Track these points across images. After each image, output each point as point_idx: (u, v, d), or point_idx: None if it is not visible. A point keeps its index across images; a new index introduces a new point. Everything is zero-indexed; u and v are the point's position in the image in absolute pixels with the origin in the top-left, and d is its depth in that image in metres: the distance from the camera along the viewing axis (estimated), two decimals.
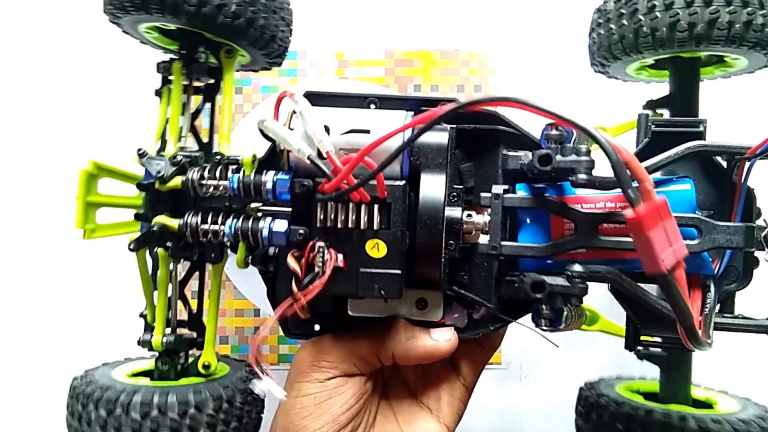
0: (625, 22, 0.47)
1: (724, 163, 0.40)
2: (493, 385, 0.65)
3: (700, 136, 0.40)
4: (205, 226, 0.43)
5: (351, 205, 0.41)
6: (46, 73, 0.73)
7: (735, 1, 0.44)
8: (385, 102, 0.46)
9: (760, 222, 0.39)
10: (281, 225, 0.42)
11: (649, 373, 0.57)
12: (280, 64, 0.54)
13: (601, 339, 0.57)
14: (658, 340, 0.44)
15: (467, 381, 0.46)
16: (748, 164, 0.37)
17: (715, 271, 0.38)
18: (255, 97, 0.70)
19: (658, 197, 0.27)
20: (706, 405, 0.51)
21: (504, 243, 0.39)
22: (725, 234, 0.35)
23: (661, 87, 0.55)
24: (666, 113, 0.50)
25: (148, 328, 0.50)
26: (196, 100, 0.52)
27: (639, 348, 0.50)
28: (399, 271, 0.41)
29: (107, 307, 0.69)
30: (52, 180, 0.71)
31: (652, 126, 0.40)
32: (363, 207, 0.41)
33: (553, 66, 0.69)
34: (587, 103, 0.66)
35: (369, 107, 0.46)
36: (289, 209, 0.44)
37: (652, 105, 0.50)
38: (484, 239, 0.42)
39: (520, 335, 0.67)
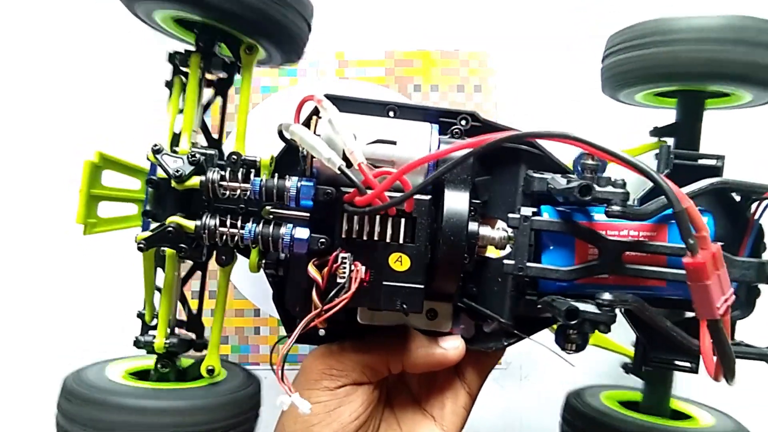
0: (637, 52, 0.49)
1: (737, 197, 0.42)
2: (493, 385, 0.66)
3: (719, 171, 0.42)
4: (224, 229, 0.42)
5: (377, 217, 0.41)
6: (44, 66, 0.70)
7: (741, 41, 0.46)
8: (404, 110, 0.46)
9: (766, 256, 0.41)
10: (303, 232, 0.42)
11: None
12: (296, 61, 0.53)
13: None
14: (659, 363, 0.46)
15: (471, 389, 0.47)
16: (764, 204, 0.39)
17: None
18: (255, 98, 0.69)
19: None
20: (684, 417, 0.54)
21: (530, 264, 0.40)
22: (740, 269, 0.37)
23: (665, 112, 0.57)
24: (669, 142, 0.52)
25: (146, 328, 0.48)
26: (205, 95, 0.50)
27: (626, 363, 0.53)
28: (421, 286, 0.41)
29: (105, 306, 0.67)
30: (48, 175, 0.68)
31: (674, 159, 0.41)
32: (389, 220, 0.41)
33: (553, 66, 0.70)
34: (587, 103, 0.67)
35: (388, 115, 0.46)
36: (303, 214, 0.43)
37: (658, 132, 0.52)
38: (508, 262, 0.42)
39: None
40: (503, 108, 0.69)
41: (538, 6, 0.71)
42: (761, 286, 0.42)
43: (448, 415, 0.46)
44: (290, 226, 0.42)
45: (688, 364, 0.46)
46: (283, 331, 0.65)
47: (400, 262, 0.41)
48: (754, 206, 0.40)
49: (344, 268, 0.40)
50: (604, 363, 0.66)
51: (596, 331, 0.56)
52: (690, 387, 0.59)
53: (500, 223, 0.45)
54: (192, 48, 0.48)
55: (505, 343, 0.45)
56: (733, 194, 0.42)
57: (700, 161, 0.42)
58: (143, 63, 0.67)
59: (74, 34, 0.69)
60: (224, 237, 0.42)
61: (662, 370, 0.49)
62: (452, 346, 0.45)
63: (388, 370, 0.45)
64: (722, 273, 0.29)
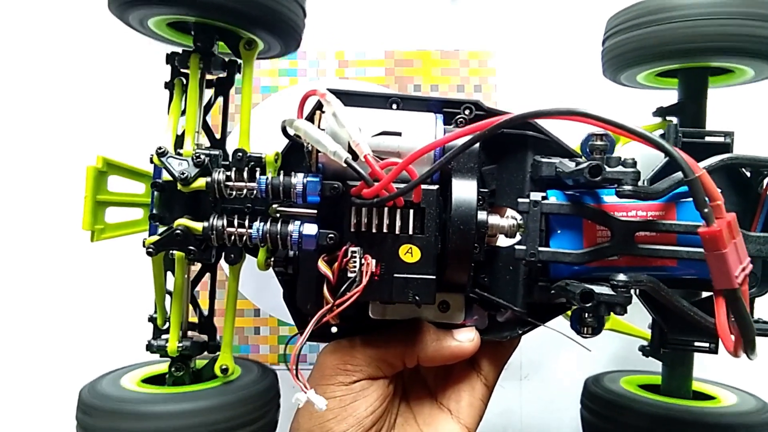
0: (638, 32, 0.49)
1: (748, 173, 0.41)
2: None
3: (728, 148, 0.41)
4: (231, 229, 0.41)
5: (386, 209, 0.41)
6: (45, 72, 0.70)
7: (741, 14, 0.46)
8: (407, 102, 0.46)
9: None
10: (311, 228, 0.41)
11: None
12: (296, 50, 0.52)
13: (602, 338, 0.58)
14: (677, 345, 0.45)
15: (488, 380, 0.47)
16: None
17: None
18: (255, 97, 0.68)
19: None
20: (707, 398, 0.54)
21: (541, 249, 0.39)
22: (756, 244, 0.37)
23: (667, 93, 0.57)
24: (675, 120, 0.51)
25: (158, 332, 0.48)
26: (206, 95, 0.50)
27: (643, 346, 0.53)
28: (433, 276, 0.40)
29: (116, 312, 0.67)
30: (56, 182, 0.67)
31: (682, 137, 0.41)
32: (398, 211, 0.41)
33: (553, 66, 0.69)
34: (587, 103, 0.67)
35: (391, 107, 0.46)
36: (310, 211, 0.43)
37: (662, 112, 0.52)
38: (504, 241, 0.42)
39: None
40: (503, 108, 0.69)
41: (538, 6, 0.71)
42: None
43: (465, 408, 0.46)
44: (298, 223, 0.41)
45: (706, 345, 0.45)
46: (283, 331, 0.66)
47: (410, 254, 0.41)
48: (766, 181, 0.39)
49: (354, 262, 0.40)
50: (605, 363, 0.66)
51: (612, 314, 0.56)
52: (711, 368, 0.58)
53: (510, 212, 0.44)
54: (190, 48, 0.47)
55: (520, 332, 0.45)
56: (744, 170, 0.41)
57: (709, 138, 0.41)
58: (142, 65, 0.66)
59: (73, 41, 0.69)
60: (233, 237, 0.41)
61: (681, 351, 0.48)
62: (466, 338, 0.44)
63: (402, 364, 0.44)
64: (738, 242, 0.29)
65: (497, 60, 0.70)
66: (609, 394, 0.53)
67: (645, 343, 0.52)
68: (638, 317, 0.52)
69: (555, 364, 0.67)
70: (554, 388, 0.67)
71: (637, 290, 0.42)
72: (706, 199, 0.28)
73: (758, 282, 0.41)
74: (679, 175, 0.32)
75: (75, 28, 0.69)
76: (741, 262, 0.29)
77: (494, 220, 0.43)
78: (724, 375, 0.58)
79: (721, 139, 0.41)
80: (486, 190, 0.44)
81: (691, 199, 0.39)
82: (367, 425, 0.43)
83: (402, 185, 0.39)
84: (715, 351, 0.45)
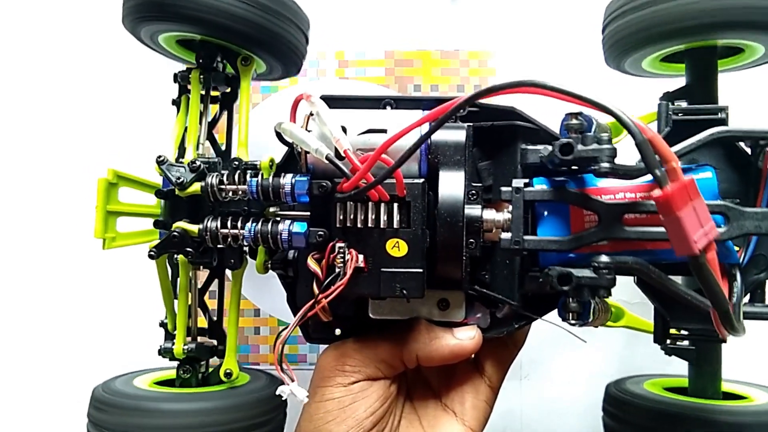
0: (640, 12, 0.47)
1: (748, 150, 0.39)
2: None
3: (722, 123, 0.39)
4: (225, 230, 0.43)
5: (370, 204, 0.41)
6: (61, 84, 0.73)
7: None
8: (400, 103, 0.46)
9: None
10: (300, 227, 0.42)
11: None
12: (296, 73, 0.55)
13: (602, 338, 0.56)
14: (684, 332, 0.43)
15: (492, 382, 0.45)
16: None
17: (741, 260, 0.37)
18: (255, 97, 0.70)
19: (686, 177, 0.27)
20: (738, 398, 0.50)
21: (527, 237, 0.39)
22: (753, 220, 0.35)
23: (675, 83, 0.55)
24: (684, 104, 0.49)
25: (169, 336, 0.50)
26: (213, 109, 0.53)
27: (667, 343, 0.50)
28: (420, 270, 0.40)
29: (129, 317, 0.69)
30: (68, 189, 0.71)
31: (673, 115, 0.39)
32: (382, 206, 0.41)
33: (553, 66, 0.68)
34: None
35: (385, 108, 0.46)
36: (304, 213, 0.44)
37: (669, 97, 0.50)
38: (505, 236, 0.41)
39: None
40: (521, 105, 0.68)
41: (538, 6, 0.70)
42: None
43: (469, 410, 0.45)
44: (288, 222, 0.42)
45: (713, 333, 0.42)
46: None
47: (397, 248, 0.41)
48: (765, 155, 0.37)
49: (341, 257, 0.40)
50: (606, 363, 0.63)
51: (625, 310, 0.53)
52: (742, 369, 0.55)
53: (508, 206, 0.44)
54: (194, 65, 0.50)
55: (516, 326, 0.43)
56: (743, 146, 0.39)
57: (703, 116, 0.39)
58: (156, 83, 0.69)
59: (90, 58, 0.73)
60: (227, 238, 0.43)
61: (687, 340, 0.45)
62: (467, 336, 0.43)
63: (402, 364, 0.44)
64: (698, 205, 0.27)
65: (497, 60, 0.69)
66: (635, 398, 0.51)
67: (668, 342, 0.49)
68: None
69: (555, 363, 0.65)
70: (554, 388, 0.65)
71: (635, 278, 0.40)
72: (658, 160, 0.26)
73: None
74: None
75: (90, 43, 0.72)
76: (701, 225, 0.27)
77: (489, 214, 0.42)
78: (756, 375, 0.54)
79: (716, 116, 0.39)
80: (480, 184, 0.44)
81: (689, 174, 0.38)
82: (366, 426, 0.43)
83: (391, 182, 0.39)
84: (723, 339, 0.42)
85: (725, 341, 0.42)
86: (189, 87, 0.51)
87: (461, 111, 0.45)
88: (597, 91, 0.59)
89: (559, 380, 0.65)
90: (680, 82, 0.51)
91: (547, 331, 0.42)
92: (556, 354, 0.66)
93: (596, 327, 0.43)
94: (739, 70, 0.52)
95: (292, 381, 0.38)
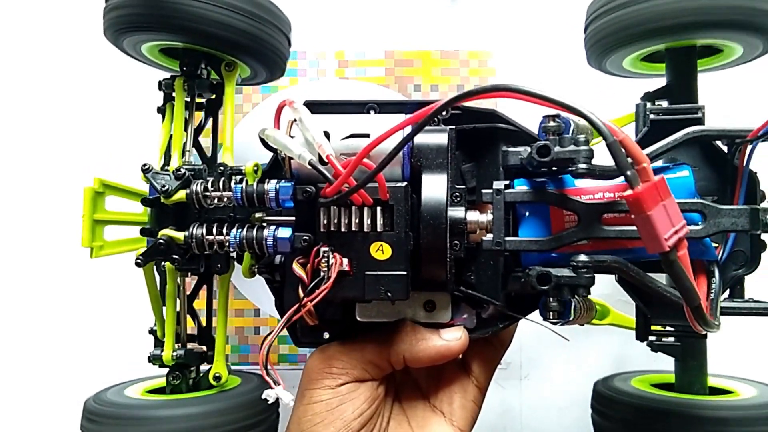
0: (620, 12, 0.48)
1: (725, 149, 0.40)
2: (493, 385, 0.63)
3: (699, 122, 0.40)
4: (211, 237, 0.43)
5: (354, 208, 0.41)
6: (45, 94, 0.74)
7: None
8: (384, 107, 0.47)
9: (764, 204, 0.38)
10: (285, 232, 0.42)
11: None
12: (280, 76, 0.55)
13: (602, 338, 0.57)
14: (670, 329, 0.43)
15: (480, 382, 0.46)
16: (749, 147, 0.36)
17: (719, 257, 0.38)
18: (255, 97, 0.70)
19: (656, 177, 0.27)
20: (724, 393, 0.51)
21: (508, 238, 0.39)
22: (730, 217, 0.35)
23: (655, 82, 0.55)
24: (665, 104, 0.50)
25: (159, 343, 0.50)
26: (198, 116, 0.53)
27: (651, 340, 0.50)
28: (404, 272, 0.41)
29: (118, 326, 0.69)
30: (54, 198, 0.71)
31: (651, 115, 0.40)
32: (366, 210, 0.41)
33: (553, 66, 0.69)
34: (587, 102, 0.66)
35: (369, 113, 0.47)
36: (290, 218, 0.44)
37: (650, 96, 0.50)
38: (487, 237, 0.42)
39: (521, 335, 0.67)
40: (503, 108, 0.68)
41: (538, 6, 0.71)
42: (766, 239, 0.39)
43: (458, 410, 0.45)
44: (273, 227, 0.43)
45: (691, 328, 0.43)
46: (284, 331, 0.66)
47: (381, 251, 0.41)
48: (741, 152, 0.37)
49: (326, 261, 0.40)
50: (606, 363, 0.63)
51: (610, 308, 0.54)
52: (729, 365, 0.55)
53: (491, 207, 0.44)
54: (178, 73, 0.51)
55: (501, 326, 0.44)
56: (719, 145, 0.40)
57: (680, 116, 0.40)
58: (142, 91, 0.67)
59: (74, 68, 0.73)
60: (213, 245, 0.43)
61: (668, 336, 0.45)
62: (453, 337, 0.44)
63: (389, 366, 0.44)
64: (669, 204, 0.27)
65: (497, 60, 0.70)
66: (621, 394, 0.51)
67: (653, 338, 0.50)
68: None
69: (555, 363, 0.66)
70: (554, 388, 0.65)
71: (617, 276, 0.41)
72: (629, 161, 0.27)
73: (747, 260, 0.39)
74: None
75: (73, 53, 0.73)
76: (672, 224, 0.27)
77: (473, 216, 0.42)
78: (742, 370, 0.54)
79: (693, 115, 0.39)
80: (464, 186, 0.44)
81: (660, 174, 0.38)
82: (355, 428, 0.43)
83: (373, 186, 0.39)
84: (702, 335, 0.42)
85: (704, 336, 0.43)
86: (173, 94, 0.51)
87: (443, 114, 0.46)
88: (597, 91, 0.60)
89: (559, 380, 0.66)
90: (660, 81, 0.52)
91: (546, 332, 0.42)
92: (555, 354, 0.66)
93: (581, 325, 0.43)
94: (718, 69, 0.53)
95: (278, 384, 0.38)
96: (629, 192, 0.27)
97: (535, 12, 0.70)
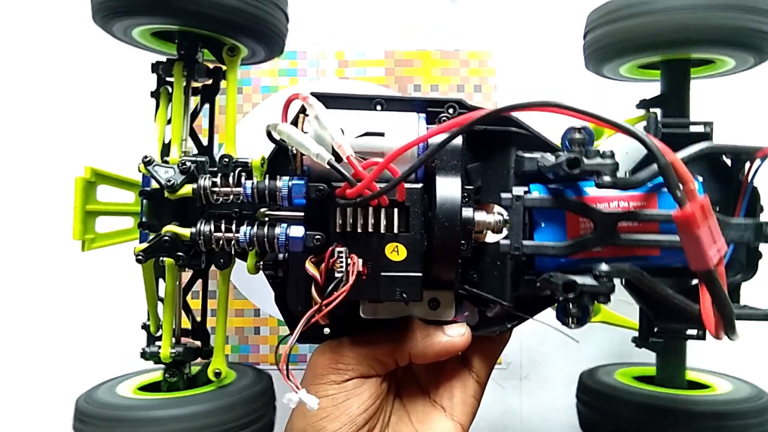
0: (617, 25, 0.49)
1: (729, 162, 0.42)
2: (493, 385, 0.66)
3: (708, 137, 0.41)
4: (219, 234, 0.42)
5: (370, 209, 0.41)
6: (33, 83, 0.70)
7: (721, 6, 0.46)
8: (391, 103, 0.46)
9: (763, 217, 0.41)
10: (298, 231, 0.42)
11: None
12: (279, 54, 0.53)
13: (601, 339, 0.59)
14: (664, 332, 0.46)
15: (480, 377, 0.47)
16: (756, 164, 0.38)
17: None
18: (255, 97, 0.69)
19: (701, 196, 0.28)
20: (702, 387, 0.54)
21: (526, 243, 0.40)
22: (737, 231, 0.37)
23: (651, 87, 0.57)
24: (658, 112, 0.52)
25: (152, 339, 0.48)
26: (194, 101, 0.51)
27: (635, 337, 0.53)
28: (419, 274, 0.41)
29: (109, 320, 0.67)
30: (47, 190, 0.68)
31: (663, 128, 0.41)
32: (382, 211, 0.41)
33: (553, 66, 0.70)
34: (588, 103, 0.67)
35: (375, 108, 0.46)
36: (297, 214, 0.43)
37: (645, 104, 0.52)
38: (492, 237, 0.43)
39: (521, 335, 0.69)
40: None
41: (538, 6, 0.71)
42: (762, 248, 0.42)
43: (458, 405, 0.46)
44: (285, 225, 0.42)
45: (694, 332, 0.46)
46: (284, 331, 0.66)
47: (396, 252, 0.41)
48: (746, 168, 0.39)
49: (341, 262, 0.40)
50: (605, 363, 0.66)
51: (601, 306, 0.56)
52: (707, 358, 0.58)
53: (496, 208, 0.45)
54: (174, 57, 0.48)
55: (509, 326, 0.45)
56: (724, 158, 0.42)
57: (689, 129, 0.42)
58: (129, 74, 0.67)
59: (60, 52, 0.70)
60: (221, 242, 0.42)
61: (670, 340, 0.48)
62: (457, 333, 0.45)
63: (394, 362, 0.45)
64: (712, 223, 0.29)
65: (497, 60, 0.70)
66: (602, 386, 0.54)
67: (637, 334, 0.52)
68: (632, 308, 0.52)
69: (555, 363, 0.67)
70: (554, 388, 0.67)
71: (623, 280, 0.43)
72: (679, 183, 0.28)
73: (743, 268, 0.41)
74: None
75: (62, 38, 0.70)
76: (715, 243, 0.29)
77: (480, 216, 0.43)
78: (720, 364, 0.58)
79: (701, 129, 0.41)
80: (471, 187, 0.45)
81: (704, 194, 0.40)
82: (359, 423, 0.43)
83: (385, 184, 0.39)
84: (702, 337, 0.45)
85: (703, 337, 0.45)
86: (168, 79, 0.49)
87: (448, 111, 0.46)
88: (596, 91, 0.61)
89: (559, 380, 0.67)
90: (656, 85, 0.54)
91: (547, 331, 0.43)
92: (555, 354, 0.68)
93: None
94: (710, 78, 0.55)
95: (299, 389, 0.37)
96: (678, 212, 0.28)
97: (535, 12, 0.71)
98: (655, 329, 0.43)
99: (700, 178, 0.39)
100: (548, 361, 0.67)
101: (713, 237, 0.29)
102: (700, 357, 0.56)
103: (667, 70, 0.52)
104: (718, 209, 0.41)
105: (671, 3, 0.47)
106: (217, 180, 0.42)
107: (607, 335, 0.57)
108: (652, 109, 0.52)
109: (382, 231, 0.41)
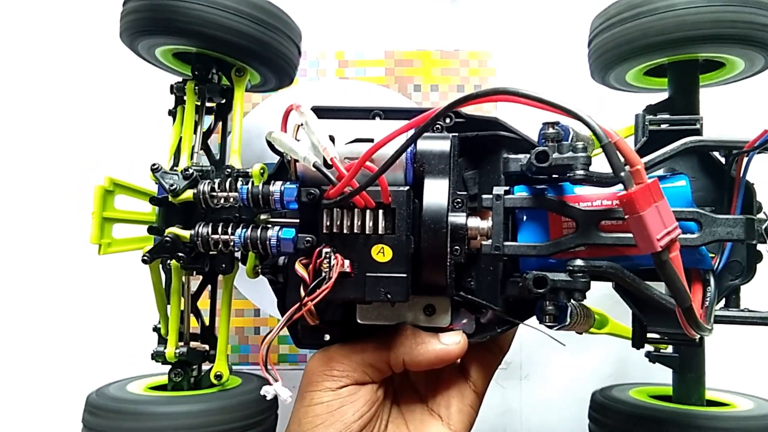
0: (624, 26, 0.48)
1: (722, 159, 0.40)
2: (493, 385, 0.64)
3: (698, 133, 0.40)
4: (216, 236, 0.44)
5: (356, 210, 0.42)
6: (60, 95, 0.75)
7: (729, 1, 0.45)
8: (389, 114, 0.48)
9: (761, 215, 0.39)
10: (289, 232, 0.43)
11: (653, 376, 0.57)
12: (289, 84, 0.56)
13: (602, 340, 0.56)
14: (657, 336, 0.44)
15: (477, 387, 0.46)
16: (746, 158, 0.37)
17: (715, 266, 0.38)
18: (255, 97, 0.70)
19: (650, 179, 0.28)
20: (722, 405, 0.51)
21: (507, 243, 0.40)
22: (725, 227, 0.35)
23: (658, 97, 0.56)
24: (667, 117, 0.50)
25: (162, 341, 0.51)
26: (209, 119, 0.54)
27: (650, 351, 0.50)
28: (404, 275, 0.41)
29: (123, 323, 0.70)
30: (64, 196, 0.72)
31: (649, 125, 0.41)
32: (368, 212, 0.42)
33: (553, 66, 0.69)
34: (589, 104, 0.66)
35: (374, 119, 0.48)
36: (294, 220, 0.45)
37: (652, 109, 0.51)
38: (486, 242, 0.42)
39: (521, 336, 0.67)
40: (503, 108, 0.68)
41: (538, 6, 0.71)
42: (762, 249, 0.39)
43: (455, 414, 0.46)
44: (277, 228, 0.44)
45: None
46: (284, 331, 0.66)
47: (382, 254, 0.42)
48: (739, 163, 0.38)
49: (327, 261, 0.41)
50: (605, 363, 0.63)
51: (609, 318, 0.54)
52: (728, 379, 0.55)
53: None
54: (189, 77, 0.52)
55: (499, 330, 0.44)
56: (717, 155, 0.40)
57: (679, 127, 0.40)
58: (156, 90, 0.67)
59: (91, 71, 0.74)
60: (218, 244, 0.44)
61: (662, 343, 0.46)
62: (452, 341, 0.44)
63: (389, 369, 0.45)
64: (661, 205, 0.28)
65: (497, 60, 0.70)
66: (618, 404, 0.51)
67: (651, 348, 0.50)
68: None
69: (555, 364, 0.66)
70: (554, 388, 0.65)
71: (614, 282, 0.41)
72: (623, 163, 0.28)
73: (743, 270, 0.39)
74: None
75: (91, 56, 0.74)
76: (665, 226, 0.28)
77: (473, 222, 0.43)
78: (741, 385, 0.54)
79: (691, 126, 0.40)
80: (466, 193, 0.45)
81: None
82: (354, 430, 0.43)
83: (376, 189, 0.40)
84: (694, 341, 0.43)
85: (699, 344, 0.43)
86: (185, 98, 0.52)
87: (446, 121, 0.47)
88: (596, 91, 0.60)
89: (559, 381, 0.66)
90: (662, 95, 0.53)
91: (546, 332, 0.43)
92: (556, 354, 0.66)
93: (579, 333, 0.44)
94: (720, 84, 0.54)
95: (276, 381, 0.38)
96: (623, 192, 0.28)
97: (535, 12, 0.71)
98: (648, 334, 0.41)
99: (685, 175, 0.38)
100: (548, 361, 0.66)
101: (662, 219, 0.28)
102: (719, 378, 0.53)
103: (675, 72, 0.51)
104: (714, 209, 0.40)
105: (676, 0, 0.46)
106: (216, 185, 0.44)
107: (608, 338, 0.55)
108: (659, 114, 0.51)
109: (368, 232, 0.42)
